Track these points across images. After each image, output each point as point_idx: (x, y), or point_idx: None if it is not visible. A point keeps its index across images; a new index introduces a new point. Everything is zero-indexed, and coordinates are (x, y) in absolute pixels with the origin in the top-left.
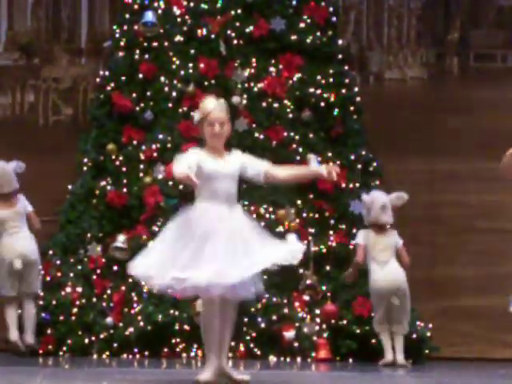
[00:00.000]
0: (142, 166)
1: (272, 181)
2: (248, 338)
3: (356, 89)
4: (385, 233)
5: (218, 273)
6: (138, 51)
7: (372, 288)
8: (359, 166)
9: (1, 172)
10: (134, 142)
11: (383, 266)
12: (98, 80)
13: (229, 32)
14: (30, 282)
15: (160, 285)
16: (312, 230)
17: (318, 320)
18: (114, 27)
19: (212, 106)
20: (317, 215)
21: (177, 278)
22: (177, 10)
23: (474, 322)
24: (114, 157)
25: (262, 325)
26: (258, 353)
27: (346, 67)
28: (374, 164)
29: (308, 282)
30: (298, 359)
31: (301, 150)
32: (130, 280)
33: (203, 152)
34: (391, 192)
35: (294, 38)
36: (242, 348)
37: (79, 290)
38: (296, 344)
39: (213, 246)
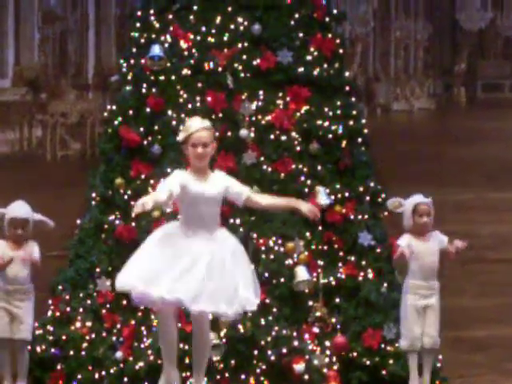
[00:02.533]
0: None
1: (251, 206)
2: (258, 370)
3: (363, 120)
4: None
5: (172, 288)
6: (145, 85)
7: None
8: (367, 198)
9: None
10: (142, 176)
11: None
12: (105, 114)
13: (236, 65)
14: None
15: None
16: (321, 263)
17: (328, 352)
18: (121, 61)
19: (196, 126)
20: (326, 247)
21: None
22: (183, 44)
23: (484, 353)
24: (122, 191)
25: (272, 357)
26: None
27: (353, 99)
28: (383, 195)
29: (318, 314)
30: None
31: (309, 182)
32: (140, 314)
33: (187, 173)
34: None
35: (301, 70)
36: (252, 381)
37: (89, 324)
38: (306, 376)
39: (189, 269)
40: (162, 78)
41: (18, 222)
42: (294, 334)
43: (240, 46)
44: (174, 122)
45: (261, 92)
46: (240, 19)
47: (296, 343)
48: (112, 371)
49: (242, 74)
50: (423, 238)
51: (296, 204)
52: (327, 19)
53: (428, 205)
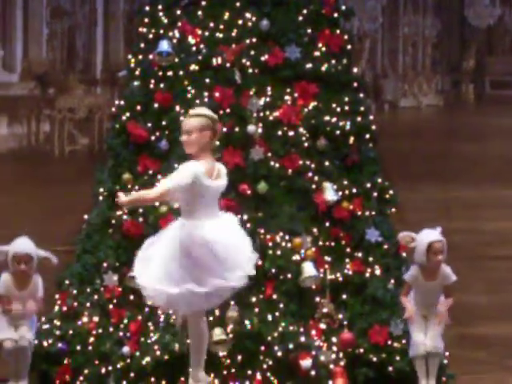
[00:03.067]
0: None
1: None
2: (265, 366)
3: (371, 117)
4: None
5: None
6: (153, 80)
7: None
8: (375, 194)
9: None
10: (150, 172)
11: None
12: (113, 109)
13: (244, 61)
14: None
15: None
16: (328, 259)
17: (334, 348)
18: (129, 57)
19: (188, 114)
20: (333, 243)
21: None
22: (192, 40)
23: (489, 350)
24: (129, 186)
25: (279, 353)
26: (275, 382)
27: (361, 95)
28: (390, 192)
29: (324, 310)
30: None
31: (316, 178)
32: (147, 309)
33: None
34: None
35: (309, 66)
36: (258, 377)
37: (96, 319)
38: (313, 372)
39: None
40: (169, 73)
41: (21, 258)
42: (301, 329)
43: (248, 41)
44: (181, 118)
45: (268, 88)
46: (248, 15)
47: (303, 339)
48: (119, 366)
49: (250, 70)
50: (431, 277)
51: None
52: (335, 15)
53: (442, 242)
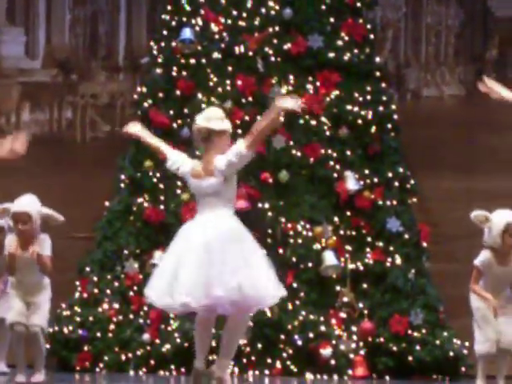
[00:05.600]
0: (178, 183)
1: (253, 146)
2: (285, 355)
3: (393, 106)
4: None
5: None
6: (175, 68)
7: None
8: (396, 184)
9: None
10: None
11: None
12: (135, 97)
13: (266, 49)
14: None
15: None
16: (349, 248)
17: (354, 337)
18: (152, 44)
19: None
20: (354, 232)
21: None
22: (214, 27)
23: None
24: (151, 174)
25: (299, 342)
26: (295, 370)
27: (384, 84)
28: (412, 181)
29: (345, 299)
30: (335, 377)
31: (338, 167)
32: None
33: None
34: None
35: (331, 55)
36: (278, 365)
37: (116, 306)
38: (333, 361)
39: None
40: (192, 61)
41: (19, 217)
42: (321, 318)
43: (271, 30)
44: (203, 106)
45: (291, 76)
46: (271, 3)
47: (323, 328)
48: (139, 353)
49: (273, 58)
50: (504, 262)
51: (277, 109)
52: (358, 4)
53: None
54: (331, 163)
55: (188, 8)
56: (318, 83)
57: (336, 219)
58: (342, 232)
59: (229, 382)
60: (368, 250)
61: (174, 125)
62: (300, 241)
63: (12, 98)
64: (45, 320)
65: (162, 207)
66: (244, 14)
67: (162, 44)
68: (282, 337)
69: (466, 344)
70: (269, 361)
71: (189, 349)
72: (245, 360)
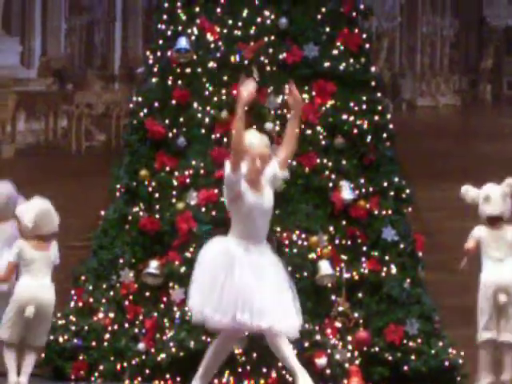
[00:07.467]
0: (174, 192)
1: (287, 157)
2: (280, 364)
3: (389, 116)
4: (498, 227)
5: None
6: (171, 77)
7: (480, 286)
8: (392, 193)
9: (46, 210)
10: (167, 168)
11: (496, 262)
12: (130, 106)
13: (262, 58)
14: (37, 334)
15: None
16: (344, 257)
17: (350, 347)
18: (147, 53)
19: (256, 140)
20: (349, 242)
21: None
22: (210, 37)
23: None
24: (146, 183)
25: (294, 351)
26: (290, 379)
27: (379, 94)
28: (407, 191)
29: (340, 308)
30: None
31: (333, 176)
32: (162, 306)
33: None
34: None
35: (327, 64)
36: (273, 375)
37: (111, 315)
38: (328, 371)
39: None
40: (188, 70)
41: None
42: (317, 328)
43: (266, 39)
44: (199, 115)
45: (286, 86)
46: (267, 13)
47: (318, 337)
48: (134, 362)
49: (268, 68)
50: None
51: (297, 112)
52: (354, 14)
53: None
54: (327, 172)
55: (184, 17)
56: (313, 93)
57: (331, 228)
58: (337, 241)
59: None
60: (363, 259)
61: (170, 134)
62: (295, 250)
63: (7, 108)
64: (43, 342)
65: (157, 216)
66: (240, 24)
67: (158, 53)
68: None
69: (462, 353)
70: (264, 370)
71: (184, 358)
72: (240, 369)
